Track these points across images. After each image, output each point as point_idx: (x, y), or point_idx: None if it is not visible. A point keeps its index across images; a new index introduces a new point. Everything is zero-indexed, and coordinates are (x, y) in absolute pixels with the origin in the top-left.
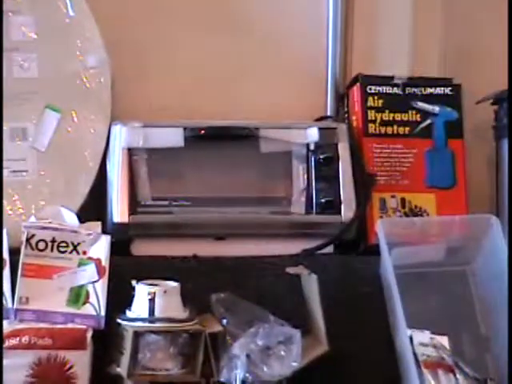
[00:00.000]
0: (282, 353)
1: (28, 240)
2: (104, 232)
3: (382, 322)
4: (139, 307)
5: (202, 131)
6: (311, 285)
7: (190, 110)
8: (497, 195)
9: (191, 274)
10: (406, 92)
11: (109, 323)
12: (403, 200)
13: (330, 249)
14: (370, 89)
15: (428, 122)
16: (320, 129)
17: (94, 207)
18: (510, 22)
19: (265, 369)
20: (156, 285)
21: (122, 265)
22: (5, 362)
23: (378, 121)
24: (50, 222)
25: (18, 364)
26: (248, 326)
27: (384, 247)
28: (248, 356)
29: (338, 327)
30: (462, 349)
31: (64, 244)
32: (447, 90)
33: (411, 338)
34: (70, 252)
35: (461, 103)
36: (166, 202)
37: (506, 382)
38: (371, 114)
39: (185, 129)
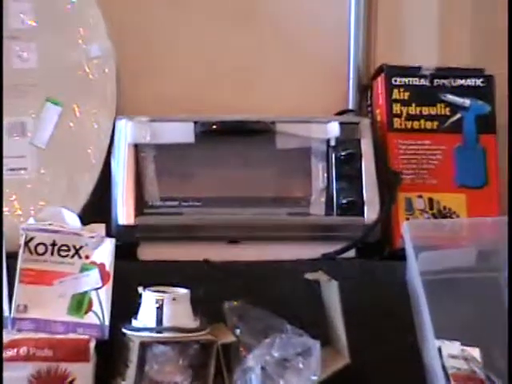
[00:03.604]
0: (300, 365)
1: (26, 243)
2: (108, 235)
3: (409, 332)
4: (146, 316)
5: (214, 126)
6: (331, 292)
7: (201, 103)
8: None
9: (202, 280)
10: (434, 84)
11: (113, 333)
12: (431, 200)
13: (351, 253)
14: (396, 80)
15: (458, 116)
16: (341, 123)
17: (97, 208)
18: (510, 22)
19: (281, 383)
20: (164, 292)
21: (127, 270)
22: None
23: (404, 115)
24: (50, 224)
25: (16, 377)
26: (263, 336)
27: (410, 251)
28: (263, 369)
29: (360, 338)
30: (494, 361)
31: (65, 248)
32: (478, 82)
33: (440, 350)
34: (72, 256)
35: (493, 96)
36: (175, 203)
37: None
38: (396, 108)
39: (195, 123)
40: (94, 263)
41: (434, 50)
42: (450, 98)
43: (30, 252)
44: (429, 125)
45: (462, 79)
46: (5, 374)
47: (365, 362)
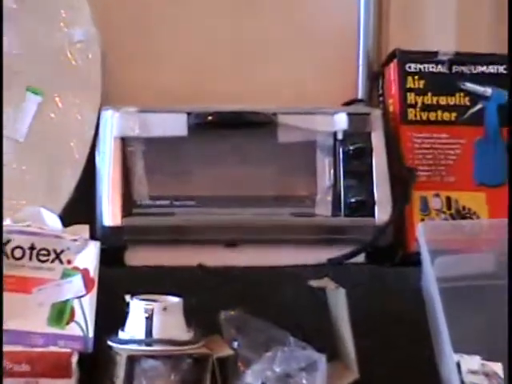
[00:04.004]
0: (304, 381)
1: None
2: (92, 237)
3: (424, 344)
4: (134, 327)
5: (210, 117)
6: (339, 300)
7: (195, 92)
8: None
9: (196, 288)
10: (453, 70)
11: (98, 346)
12: (449, 199)
13: (360, 258)
14: (410, 67)
15: (478, 106)
16: (349, 114)
17: (80, 208)
18: (510, 22)
19: None
20: (154, 300)
21: (113, 276)
22: None
23: (419, 105)
24: (28, 226)
25: None
26: (263, 349)
27: (426, 256)
28: None
29: (370, 351)
30: None
31: (45, 252)
32: (501, 69)
33: (459, 365)
34: (52, 261)
35: None
36: (166, 202)
37: None
38: (411, 97)
39: (189, 114)
40: (76, 269)
41: (453, 33)
42: (470, 86)
43: (7, 256)
44: (446, 116)
45: (483, 66)
46: None
47: (375, 378)
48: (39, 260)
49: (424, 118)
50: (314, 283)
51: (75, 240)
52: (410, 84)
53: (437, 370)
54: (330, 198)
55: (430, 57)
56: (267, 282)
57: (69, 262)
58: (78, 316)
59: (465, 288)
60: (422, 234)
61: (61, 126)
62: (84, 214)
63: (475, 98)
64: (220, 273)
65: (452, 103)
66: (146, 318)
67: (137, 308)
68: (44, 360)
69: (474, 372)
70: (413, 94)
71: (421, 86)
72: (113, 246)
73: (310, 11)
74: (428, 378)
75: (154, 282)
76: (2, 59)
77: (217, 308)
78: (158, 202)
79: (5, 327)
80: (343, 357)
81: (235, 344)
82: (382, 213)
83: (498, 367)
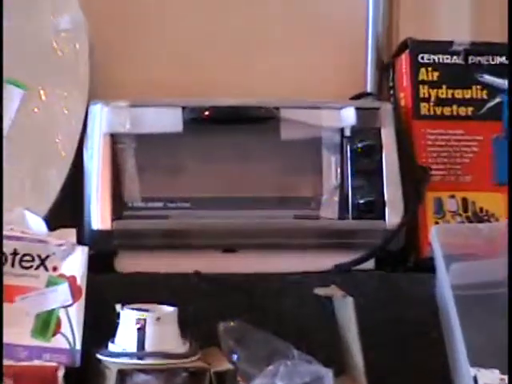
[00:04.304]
0: None
1: None
2: (80, 242)
3: (438, 357)
4: (125, 339)
5: (207, 112)
6: (346, 310)
7: (190, 84)
8: None
9: (192, 296)
10: (469, 61)
11: (86, 359)
12: (465, 201)
13: (370, 264)
14: (423, 58)
15: (497, 100)
16: (358, 109)
17: (67, 210)
18: (510, 22)
19: None
20: (147, 310)
21: (103, 284)
22: None
23: (433, 99)
24: (11, 229)
25: None
26: (265, 363)
27: (440, 262)
28: None
29: (381, 364)
30: None
31: (28, 257)
32: None
33: (476, 379)
34: (36, 268)
35: None
36: (159, 204)
37: None
38: (424, 91)
39: (184, 109)
40: (62, 276)
41: (468, 22)
42: (488, 78)
43: None
44: (462, 111)
45: (501, 56)
46: None
47: None
48: (22, 266)
49: (438, 112)
50: (319, 291)
51: (61, 245)
52: (422, 76)
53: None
54: (336, 199)
55: (444, 47)
56: (269, 291)
57: (54, 268)
58: (65, 327)
59: (482, 296)
60: (436, 237)
61: (45, 121)
62: (71, 217)
63: (493, 90)
64: (218, 280)
65: (468, 97)
66: (138, 329)
67: (128, 318)
68: (28, 375)
69: None
70: (426, 87)
71: (434, 79)
72: (102, 252)
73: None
74: None
75: (146, 290)
76: (2, 57)
77: (214, 318)
78: (150, 204)
79: None
80: (351, 371)
81: (234, 357)
82: (393, 215)
83: None
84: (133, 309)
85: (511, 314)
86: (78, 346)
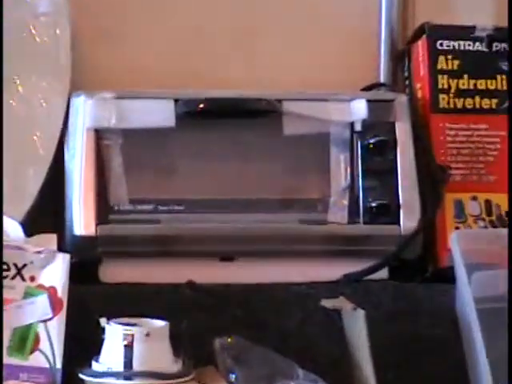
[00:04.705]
0: None
1: None
2: (61, 249)
3: (458, 375)
4: (111, 357)
5: (202, 105)
6: (357, 323)
7: (183, 74)
8: None
9: (185, 310)
10: (493, 48)
11: (67, 380)
12: (488, 203)
13: (383, 273)
14: (442, 44)
15: None
16: (369, 101)
17: (46, 214)
18: (510, 22)
19: None
20: (135, 325)
21: (86, 296)
22: None
23: (453, 90)
24: None
25: None
26: (266, 383)
27: (461, 271)
28: None
29: (394, 383)
30: None
31: (4, 266)
32: None
33: None
34: (13, 278)
35: None
36: (149, 207)
37: None
38: (443, 81)
39: (176, 101)
40: (41, 287)
41: (492, 4)
42: None
43: None
44: (486, 103)
45: None
46: None
47: None
48: None
49: (459, 105)
50: (326, 304)
51: (40, 252)
52: (441, 65)
53: None
54: (346, 202)
55: (465, 32)
56: (271, 303)
57: (32, 278)
58: (44, 344)
59: (506, 310)
60: (457, 244)
61: (22, 115)
62: (51, 222)
63: None
64: (214, 292)
65: (492, 88)
66: (125, 345)
67: (114, 334)
68: None
69: None
70: (445, 77)
71: (455, 68)
72: (85, 260)
73: None
74: None
75: (134, 302)
76: (1, 55)
77: (210, 334)
78: (139, 207)
79: None
80: None
81: (232, 377)
82: (409, 219)
83: None
84: (119, 323)
85: (511, 314)
86: (59, 365)
